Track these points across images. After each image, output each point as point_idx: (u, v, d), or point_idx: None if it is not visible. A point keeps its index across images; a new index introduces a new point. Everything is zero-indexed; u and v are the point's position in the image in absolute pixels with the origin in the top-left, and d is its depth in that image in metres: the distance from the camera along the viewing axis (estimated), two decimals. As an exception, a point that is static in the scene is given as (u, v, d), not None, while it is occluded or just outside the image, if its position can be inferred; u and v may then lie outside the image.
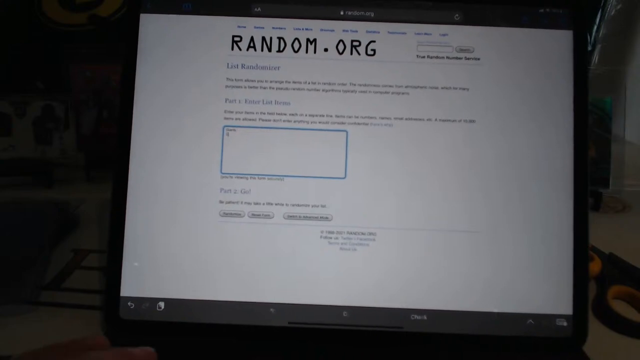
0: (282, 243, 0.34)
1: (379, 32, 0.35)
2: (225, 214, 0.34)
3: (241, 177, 0.34)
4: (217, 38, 0.35)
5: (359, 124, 0.35)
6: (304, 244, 0.34)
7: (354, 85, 0.35)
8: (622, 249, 0.46)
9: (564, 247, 0.33)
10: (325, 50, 0.35)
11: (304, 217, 0.34)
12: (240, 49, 0.35)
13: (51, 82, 0.63)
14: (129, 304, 0.33)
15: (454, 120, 0.35)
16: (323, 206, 0.34)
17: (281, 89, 0.35)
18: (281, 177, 0.34)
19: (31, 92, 0.62)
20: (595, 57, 0.66)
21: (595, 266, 0.43)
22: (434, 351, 0.33)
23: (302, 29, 0.35)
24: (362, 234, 0.34)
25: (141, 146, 0.34)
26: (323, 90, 0.35)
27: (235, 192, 0.34)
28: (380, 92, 0.35)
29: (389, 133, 0.34)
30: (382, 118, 0.35)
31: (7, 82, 0.65)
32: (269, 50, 0.35)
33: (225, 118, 0.35)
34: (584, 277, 0.33)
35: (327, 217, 0.34)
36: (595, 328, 0.37)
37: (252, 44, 0.35)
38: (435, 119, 0.35)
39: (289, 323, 0.33)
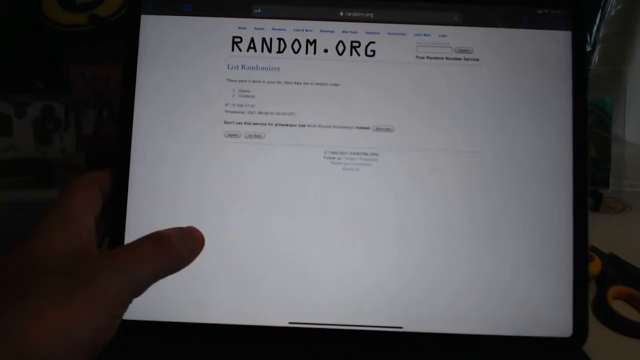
0: (283, 244, 0.34)
1: (378, 33, 0.35)
2: (226, 215, 0.34)
3: (241, 178, 0.34)
4: (218, 39, 0.35)
5: (359, 124, 0.35)
6: (305, 241, 0.34)
7: (354, 85, 0.35)
8: (623, 249, 0.46)
9: (564, 247, 0.33)
10: (325, 51, 0.35)
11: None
12: (240, 50, 0.35)
13: (51, 82, 0.63)
14: (129, 304, 0.33)
15: (452, 122, 0.34)
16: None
17: (281, 89, 0.35)
18: (281, 178, 0.34)
19: (31, 93, 0.62)
20: (595, 58, 0.66)
21: (595, 266, 0.43)
22: (434, 351, 0.33)
23: (302, 30, 0.35)
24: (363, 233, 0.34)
25: (142, 147, 0.34)
26: (323, 91, 0.35)
27: (235, 193, 0.34)
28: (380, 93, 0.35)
29: (389, 134, 0.34)
30: (382, 119, 0.35)
31: (7, 82, 0.65)
32: (269, 51, 0.35)
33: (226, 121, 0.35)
34: (584, 277, 0.33)
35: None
36: (596, 328, 0.37)
37: (252, 45, 0.35)
38: (435, 119, 0.35)
39: (289, 323, 0.33)
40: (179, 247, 0.25)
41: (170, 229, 0.26)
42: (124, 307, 0.23)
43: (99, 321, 0.21)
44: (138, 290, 0.23)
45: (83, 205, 0.27)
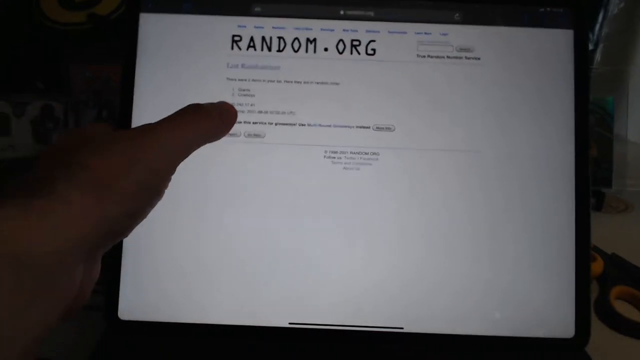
0: (284, 244, 0.34)
1: (379, 32, 0.35)
2: (225, 215, 0.34)
3: (241, 177, 0.34)
4: (217, 37, 0.35)
5: (359, 123, 0.34)
6: (306, 242, 0.34)
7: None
8: (625, 249, 0.45)
9: (565, 247, 0.33)
10: (325, 49, 0.35)
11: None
12: (240, 49, 0.35)
13: (51, 82, 0.63)
14: (128, 304, 0.33)
15: (453, 121, 0.34)
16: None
17: (281, 88, 0.35)
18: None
19: (31, 92, 0.61)
20: (598, 57, 0.66)
21: (597, 266, 0.43)
22: (435, 351, 0.33)
23: (302, 29, 0.35)
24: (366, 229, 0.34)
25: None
26: (323, 90, 0.35)
27: (235, 193, 0.34)
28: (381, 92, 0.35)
29: (389, 133, 0.34)
30: (383, 118, 0.34)
31: (7, 82, 0.64)
32: (269, 49, 0.35)
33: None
34: (586, 277, 0.33)
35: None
36: (598, 329, 0.37)
37: (252, 44, 0.35)
38: (436, 119, 0.34)
39: (289, 323, 0.33)
40: (215, 114, 0.27)
41: (203, 103, 0.28)
42: (175, 163, 0.25)
43: (154, 165, 0.24)
44: (185, 151, 0.26)
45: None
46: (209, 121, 0.27)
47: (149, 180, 0.24)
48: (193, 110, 0.27)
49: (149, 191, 0.24)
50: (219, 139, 0.28)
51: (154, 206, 0.25)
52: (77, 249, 0.20)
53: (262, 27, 0.35)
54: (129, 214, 0.23)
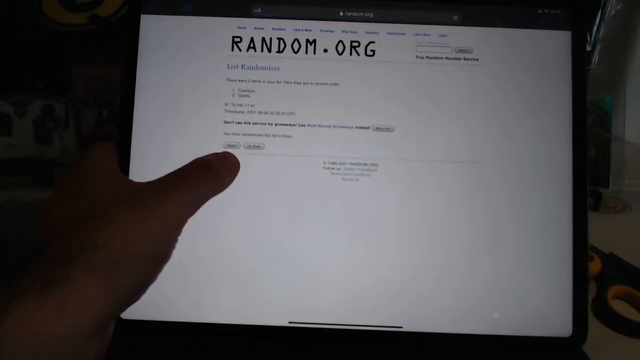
0: (284, 245, 0.34)
1: (378, 33, 0.35)
2: (226, 215, 0.34)
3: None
4: (218, 39, 0.35)
5: (358, 124, 0.35)
6: (306, 242, 0.34)
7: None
8: (622, 249, 0.46)
9: (563, 247, 0.33)
10: (325, 50, 0.35)
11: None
12: (240, 50, 0.35)
13: (51, 82, 0.63)
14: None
15: (452, 121, 0.35)
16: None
17: (281, 89, 0.35)
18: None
19: (31, 92, 0.62)
20: (595, 57, 0.66)
21: (595, 266, 0.43)
22: (433, 350, 0.33)
23: (302, 30, 0.35)
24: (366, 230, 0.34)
25: (141, 147, 0.34)
26: (323, 91, 0.35)
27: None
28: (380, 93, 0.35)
29: (389, 133, 0.34)
30: (382, 118, 0.35)
31: (7, 82, 0.65)
32: (269, 50, 0.35)
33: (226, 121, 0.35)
34: (584, 277, 0.33)
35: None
36: (596, 328, 0.37)
37: (252, 45, 0.35)
38: (434, 119, 0.35)
39: (289, 323, 0.33)
40: (220, 170, 0.28)
41: (208, 155, 0.28)
42: (181, 226, 0.26)
43: (162, 237, 0.25)
44: (191, 211, 0.26)
45: (111, 157, 0.29)
46: (218, 179, 0.27)
47: (159, 251, 0.25)
48: (201, 170, 0.27)
49: (159, 260, 0.25)
50: (224, 190, 0.28)
51: (163, 269, 0.26)
52: (90, 328, 0.21)
53: (262, 29, 0.35)
54: (139, 285, 0.24)
